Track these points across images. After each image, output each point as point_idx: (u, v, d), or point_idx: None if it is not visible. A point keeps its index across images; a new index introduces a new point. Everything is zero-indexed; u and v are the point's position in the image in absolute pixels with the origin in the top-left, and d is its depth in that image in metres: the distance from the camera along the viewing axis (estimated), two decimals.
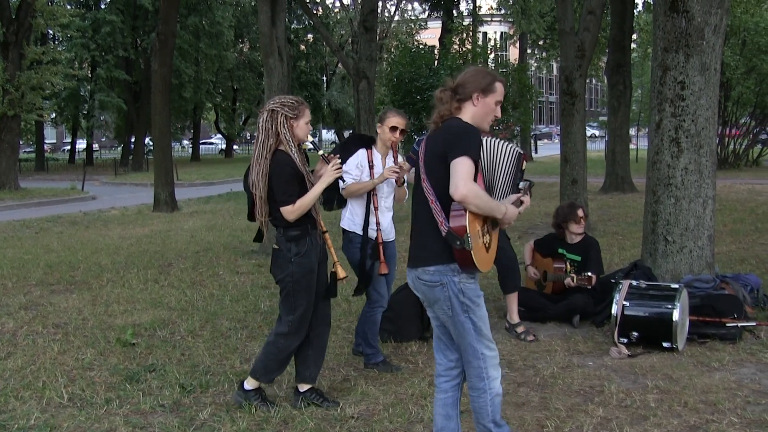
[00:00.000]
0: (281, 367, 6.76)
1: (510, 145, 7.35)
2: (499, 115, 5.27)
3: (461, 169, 4.81)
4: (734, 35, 32.10)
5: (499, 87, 5.21)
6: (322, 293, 6.72)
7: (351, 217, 7.64)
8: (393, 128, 7.55)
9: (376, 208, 7.58)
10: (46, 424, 6.42)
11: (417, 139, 8.93)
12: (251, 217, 6.72)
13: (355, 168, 7.53)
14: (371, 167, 7.59)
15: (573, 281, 9.17)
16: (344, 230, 7.69)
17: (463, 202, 4.81)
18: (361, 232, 7.61)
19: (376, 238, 7.58)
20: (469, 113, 5.15)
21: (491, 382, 5.16)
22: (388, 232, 7.72)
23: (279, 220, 6.44)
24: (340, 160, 6.73)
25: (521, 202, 5.60)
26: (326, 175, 6.58)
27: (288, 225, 6.43)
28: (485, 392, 5.15)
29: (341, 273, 6.85)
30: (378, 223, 7.60)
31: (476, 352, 5.11)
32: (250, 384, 6.67)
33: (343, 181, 7.14)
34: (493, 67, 29.12)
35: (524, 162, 8.68)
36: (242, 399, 6.65)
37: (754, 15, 32.76)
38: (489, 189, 5.51)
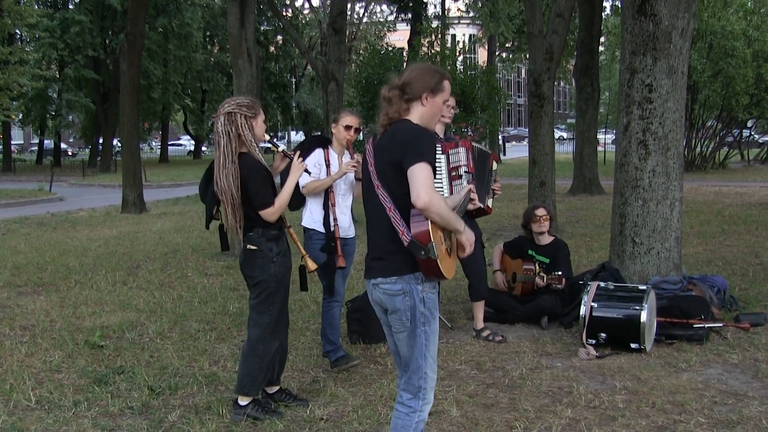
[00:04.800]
0: (267, 374, 6.60)
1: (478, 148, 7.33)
2: (445, 113, 5.05)
3: (420, 176, 4.58)
4: (701, 39, 32.32)
5: (446, 85, 5.00)
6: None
7: (310, 215, 7.72)
8: (347, 127, 7.70)
9: (333, 205, 7.66)
10: (13, 427, 6.38)
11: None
12: (209, 225, 6.70)
13: (313, 167, 7.57)
14: (328, 165, 7.69)
15: (543, 281, 9.23)
16: (305, 228, 7.75)
17: (425, 210, 4.58)
18: (321, 229, 7.67)
19: (333, 232, 7.62)
20: (417, 113, 4.91)
21: (425, 405, 4.94)
22: (347, 229, 7.80)
23: (255, 222, 6.34)
24: (299, 153, 6.77)
25: (471, 200, 5.49)
26: (294, 170, 6.58)
27: (267, 225, 6.34)
28: (415, 413, 4.91)
29: (311, 265, 6.84)
30: (335, 219, 7.67)
31: (420, 370, 4.89)
32: (243, 399, 6.51)
33: (309, 173, 7.16)
34: (461, 69, 29.05)
35: (494, 162, 8.74)
36: (241, 416, 6.45)
37: (720, 19, 32.96)
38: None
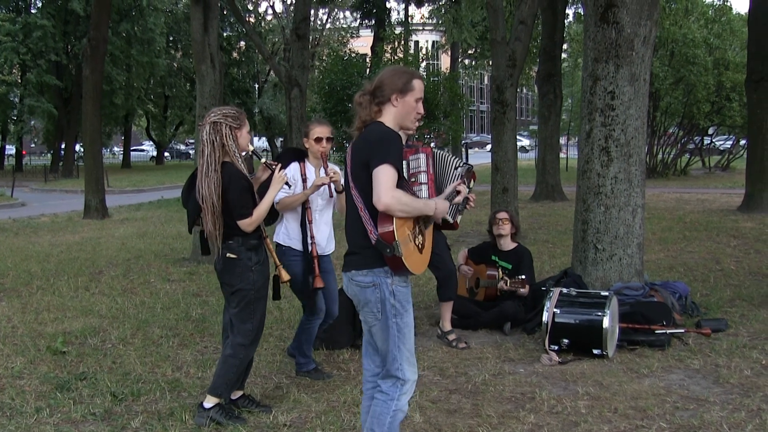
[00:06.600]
0: (239, 379, 6.69)
1: (458, 159, 7.40)
2: (422, 111, 5.26)
3: (382, 177, 4.82)
4: (663, 46, 32.60)
5: (417, 84, 5.23)
6: None
7: (286, 232, 7.59)
8: (318, 139, 7.50)
9: (310, 222, 7.53)
10: None
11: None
12: (191, 229, 6.70)
13: (290, 181, 7.43)
14: (304, 180, 7.53)
15: (506, 284, 9.25)
16: (278, 244, 7.59)
17: (387, 211, 4.81)
18: (297, 247, 7.54)
19: (311, 251, 7.54)
20: (390, 115, 5.19)
21: (402, 395, 5.11)
22: (324, 246, 7.65)
23: (235, 230, 6.36)
24: (280, 165, 6.73)
25: (457, 192, 5.84)
26: (275, 182, 6.58)
27: (246, 234, 6.37)
28: (392, 401, 5.09)
29: (284, 276, 6.86)
30: (312, 237, 7.53)
31: (396, 361, 5.05)
32: (209, 402, 6.51)
33: (290, 186, 7.15)
34: (424, 76, 29.17)
35: (473, 179, 8.78)
36: (205, 419, 6.44)
37: (682, 27, 33.28)
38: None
